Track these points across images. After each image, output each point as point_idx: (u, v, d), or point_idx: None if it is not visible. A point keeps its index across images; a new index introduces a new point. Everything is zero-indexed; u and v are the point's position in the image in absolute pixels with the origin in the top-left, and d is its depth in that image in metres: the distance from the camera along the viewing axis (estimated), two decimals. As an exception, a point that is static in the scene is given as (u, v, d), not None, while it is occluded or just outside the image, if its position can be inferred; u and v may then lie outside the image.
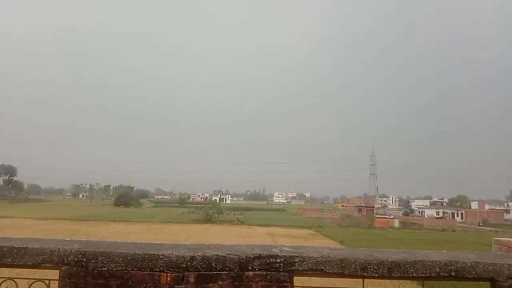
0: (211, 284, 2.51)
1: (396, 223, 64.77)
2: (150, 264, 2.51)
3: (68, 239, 2.89)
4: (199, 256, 2.53)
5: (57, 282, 2.55)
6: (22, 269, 2.61)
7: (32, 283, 2.64)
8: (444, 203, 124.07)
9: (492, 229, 64.53)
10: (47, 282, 2.62)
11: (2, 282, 2.64)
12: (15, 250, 2.56)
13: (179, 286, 2.48)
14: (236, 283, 2.53)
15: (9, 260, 2.55)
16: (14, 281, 2.64)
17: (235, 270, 2.54)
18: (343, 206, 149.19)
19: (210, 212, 63.53)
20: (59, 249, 2.55)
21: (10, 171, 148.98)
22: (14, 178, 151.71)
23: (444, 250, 2.99)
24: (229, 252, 2.59)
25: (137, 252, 2.53)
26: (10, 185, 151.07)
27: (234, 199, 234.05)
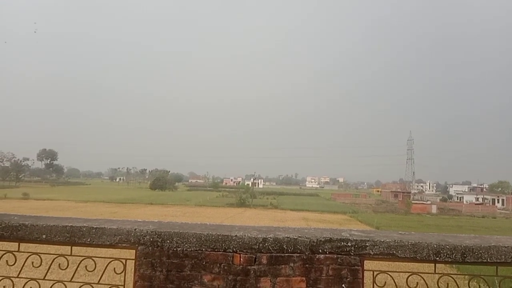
0: (283, 266, 2.54)
1: (434, 209, 63.47)
2: (223, 245, 2.56)
3: (141, 220, 2.99)
4: (271, 238, 2.56)
5: (133, 261, 2.64)
6: (100, 248, 2.72)
7: (110, 262, 2.74)
8: (484, 189, 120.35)
9: (535, 216, 62.21)
10: (123, 261, 2.72)
11: (81, 260, 2.76)
12: (94, 230, 2.66)
13: (252, 266, 2.53)
14: (307, 265, 2.54)
15: (88, 240, 2.66)
16: (92, 259, 2.76)
17: (306, 253, 2.55)
18: (378, 191, 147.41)
19: (243, 196, 64.29)
20: (135, 229, 2.63)
21: (51, 155, 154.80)
22: (55, 162, 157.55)
23: (517, 236, 2.90)
24: (300, 235, 2.60)
25: (210, 233, 2.59)
26: (51, 168, 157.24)
27: (267, 183, 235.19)
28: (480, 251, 2.57)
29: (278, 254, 2.55)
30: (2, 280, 2.77)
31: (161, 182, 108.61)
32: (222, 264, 2.55)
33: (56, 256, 2.79)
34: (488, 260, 2.57)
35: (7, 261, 2.78)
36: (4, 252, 2.83)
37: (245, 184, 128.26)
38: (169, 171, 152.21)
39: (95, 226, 2.68)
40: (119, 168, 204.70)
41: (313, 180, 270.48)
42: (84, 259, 2.77)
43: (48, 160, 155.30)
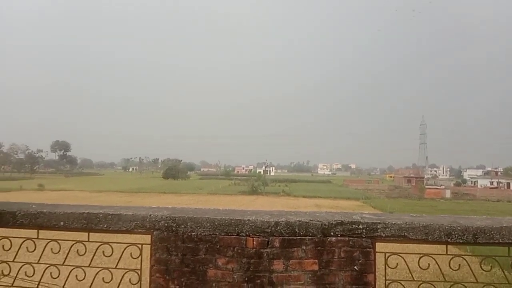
0: (295, 248, 2.58)
1: (448, 194, 63.06)
2: (236, 228, 2.61)
3: (155, 206, 3.05)
4: (283, 221, 2.60)
5: (149, 246, 2.71)
6: (116, 234, 2.78)
7: (126, 247, 2.82)
8: (499, 173, 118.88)
9: (551, 199, 61.43)
10: (139, 246, 2.79)
11: (99, 246, 2.83)
12: (110, 217, 2.73)
13: (265, 249, 2.57)
14: (319, 248, 2.58)
15: (105, 226, 2.74)
16: (109, 245, 2.83)
17: (318, 236, 2.59)
18: (391, 177, 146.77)
19: (255, 184, 64.52)
20: (150, 215, 2.70)
21: (64, 146, 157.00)
22: (68, 153, 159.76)
23: (529, 217, 2.90)
24: (311, 218, 2.64)
25: (223, 217, 2.64)
26: (65, 160, 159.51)
27: (278, 171, 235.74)
28: (492, 232, 2.57)
29: (290, 237, 2.60)
30: (23, 266, 2.86)
31: (174, 171, 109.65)
32: (235, 248, 2.60)
33: (74, 242, 2.86)
34: (500, 241, 2.57)
35: (27, 247, 2.87)
36: (24, 239, 2.92)
37: (257, 172, 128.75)
38: (181, 160, 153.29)
39: (111, 213, 2.75)
40: (131, 158, 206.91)
41: (325, 167, 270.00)
42: (101, 245, 2.85)
43: (62, 152, 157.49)
